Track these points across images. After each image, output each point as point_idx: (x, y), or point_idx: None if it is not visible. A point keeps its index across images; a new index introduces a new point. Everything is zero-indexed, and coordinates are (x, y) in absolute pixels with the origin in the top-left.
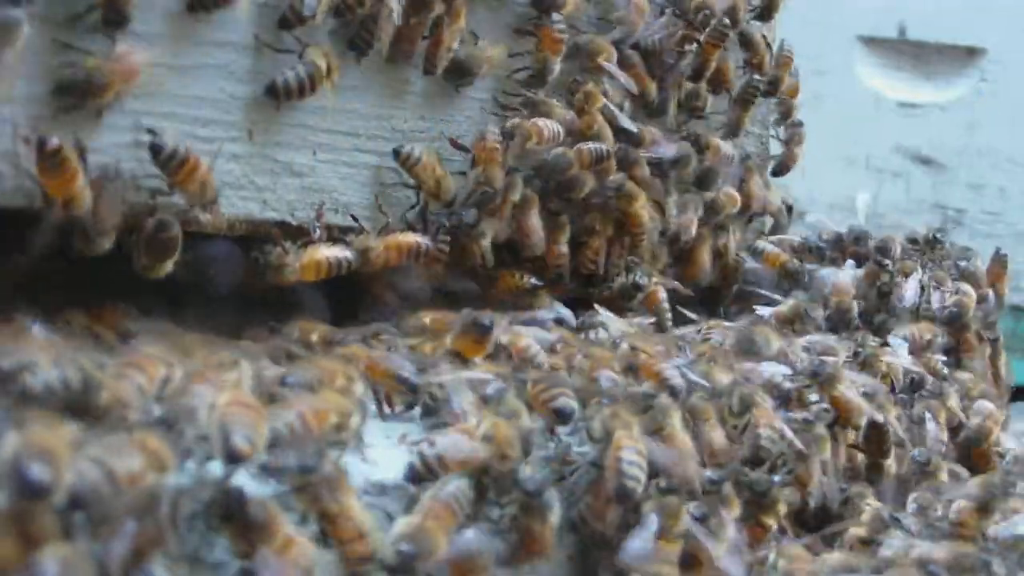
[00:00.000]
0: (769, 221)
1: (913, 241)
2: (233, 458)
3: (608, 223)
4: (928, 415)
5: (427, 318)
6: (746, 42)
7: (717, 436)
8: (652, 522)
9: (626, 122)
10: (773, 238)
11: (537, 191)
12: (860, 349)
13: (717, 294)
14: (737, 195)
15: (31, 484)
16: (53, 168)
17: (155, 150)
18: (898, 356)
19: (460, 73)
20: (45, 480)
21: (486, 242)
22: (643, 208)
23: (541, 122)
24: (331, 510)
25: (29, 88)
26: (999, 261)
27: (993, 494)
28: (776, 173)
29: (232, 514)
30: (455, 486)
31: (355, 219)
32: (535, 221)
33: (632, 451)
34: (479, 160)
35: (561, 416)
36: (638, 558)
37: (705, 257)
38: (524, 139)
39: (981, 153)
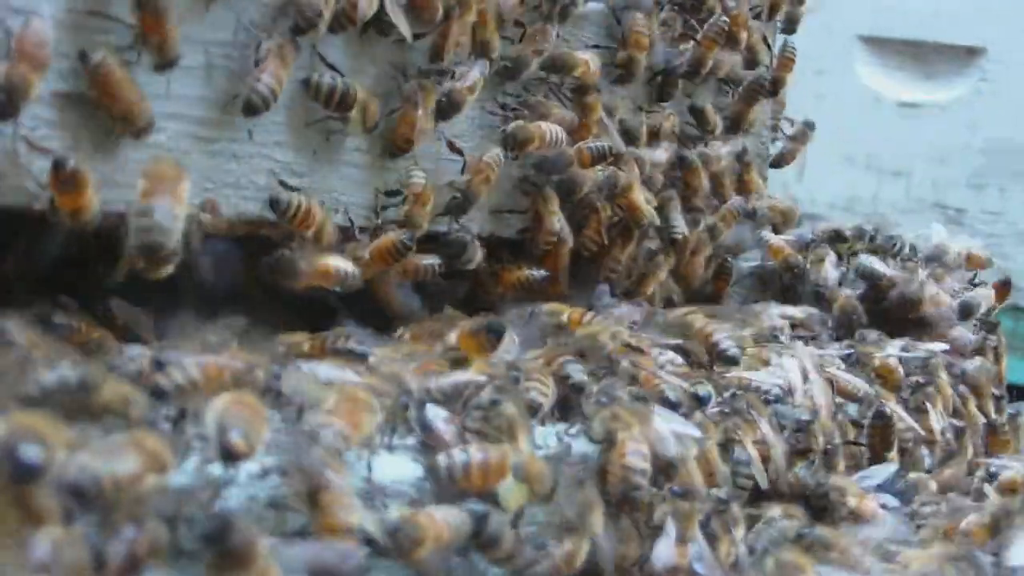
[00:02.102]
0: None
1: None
2: (229, 456)
3: (607, 203)
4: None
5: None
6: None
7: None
8: (672, 529)
9: (616, 139)
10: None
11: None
12: (852, 349)
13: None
14: (737, 212)
15: (24, 466)
16: (69, 188)
17: None
18: (893, 351)
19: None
20: (38, 461)
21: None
22: (640, 195)
23: (544, 125)
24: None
25: None
26: (1004, 283)
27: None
28: (774, 165)
29: (215, 539)
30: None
31: (351, 222)
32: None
33: (637, 455)
34: (470, 170)
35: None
36: (667, 564)
37: (702, 260)
38: (526, 143)
39: (982, 152)
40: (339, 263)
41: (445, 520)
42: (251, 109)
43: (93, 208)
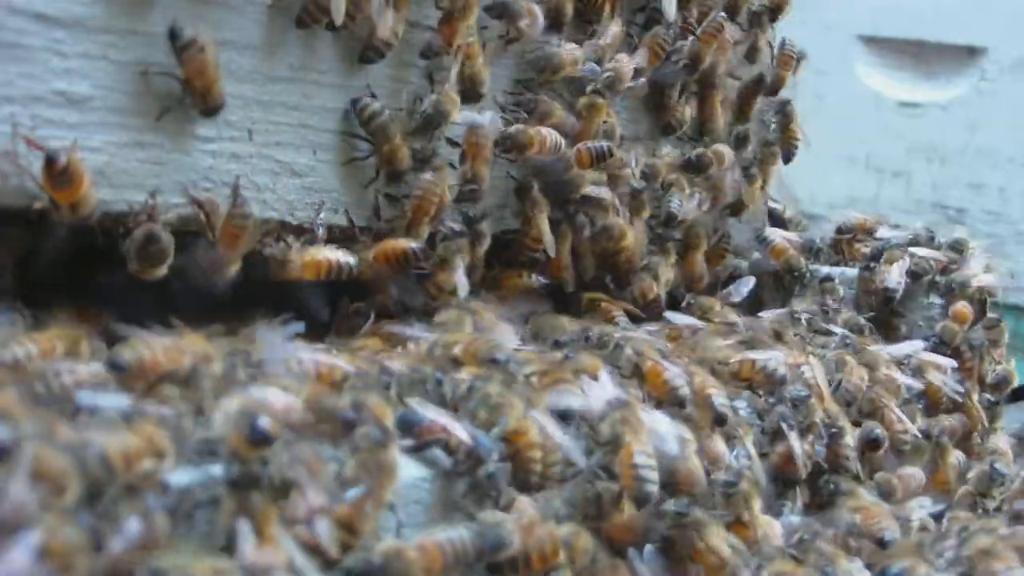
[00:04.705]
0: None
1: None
2: (259, 440)
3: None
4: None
5: None
6: None
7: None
8: None
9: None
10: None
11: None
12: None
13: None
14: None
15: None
16: (63, 183)
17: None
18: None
19: None
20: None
21: (483, 247)
22: (631, 236)
23: (544, 130)
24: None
25: (29, 88)
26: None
27: None
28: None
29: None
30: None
31: (351, 222)
32: (545, 225)
33: (643, 455)
34: (468, 155)
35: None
36: None
37: (700, 257)
38: (524, 147)
39: (981, 153)
40: (332, 255)
41: (439, 547)
42: None
43: (92, 200)
